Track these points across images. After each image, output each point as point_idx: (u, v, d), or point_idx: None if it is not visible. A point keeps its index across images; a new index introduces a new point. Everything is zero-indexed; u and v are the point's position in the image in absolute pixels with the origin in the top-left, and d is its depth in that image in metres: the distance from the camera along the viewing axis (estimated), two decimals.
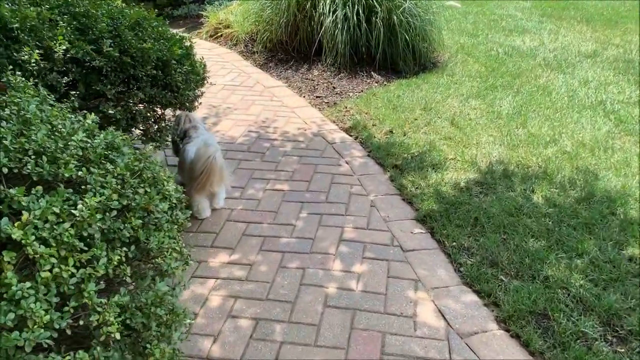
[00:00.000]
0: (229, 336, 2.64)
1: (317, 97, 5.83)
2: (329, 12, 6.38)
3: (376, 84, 6.21)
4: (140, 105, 3.16)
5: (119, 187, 1.80)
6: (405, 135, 4.74)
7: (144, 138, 3.35)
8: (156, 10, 9.17)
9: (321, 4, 6.46)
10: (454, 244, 3.29)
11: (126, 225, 1.70)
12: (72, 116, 2.06)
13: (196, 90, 3.58)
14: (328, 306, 2.84)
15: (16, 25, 2.94)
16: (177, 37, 3.77)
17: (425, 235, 3.42)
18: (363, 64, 6.60)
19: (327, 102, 5.67)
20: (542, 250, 3.17)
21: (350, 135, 4.86)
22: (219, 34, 7.97)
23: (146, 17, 3.48)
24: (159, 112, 3.39)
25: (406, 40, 6.42)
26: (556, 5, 10.19)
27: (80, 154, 1.84)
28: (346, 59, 6.44)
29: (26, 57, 2.78)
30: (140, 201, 1.81)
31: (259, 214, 3.65)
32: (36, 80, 2.84)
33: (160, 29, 3.63)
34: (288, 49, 6.92)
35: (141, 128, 3.38)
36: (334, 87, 6.08)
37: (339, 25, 6.34)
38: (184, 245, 2.05)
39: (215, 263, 3.16)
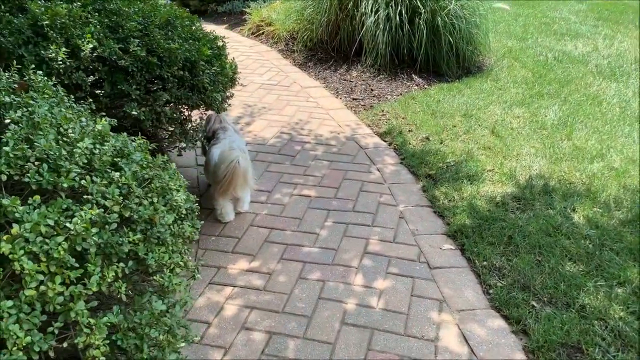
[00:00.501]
0: (240, 350, 2.55)
1: (353, 99, 5.70)
2: (371, 12, 6.23)
3: (416, 87, 6.02)
4: (166, 106, 3.11)
5: (122, 197, 1.73)
6: (442, 142, 4.55)
7: (171, 139, 3.31)
8: (202, 6, 9.23)
9: (363, 3, 6.31)
10: (485, 263, 3.11)
11: (124, 239, 1.63)
12: (84, 120, 2.01)
13: (225, 92, 3.51)
14: (346, 323, 2.72)
15: (46, 22, 2.94)
16: (210, 36, 3.72)
17: (455, 252, 3.25)
18: (404, 66, 6.42)
19: (364, 105, 5.53)
20: (580, 276, 2.96)
21: (385, 141, 4.71)
22: (261, 32, 7.94)
23: (177, 15, 3.43)
24: (186, 114, 3.34)
25: (450, 43, 6.20)
26: (614, 9, 9.70)
27: (85, 161, 1.78)
28: (386, 61, 6.27)
29: (53, 55, 2.77)
30: (143, 213, 1.74)
31: (283, 220, 3.56)
32: (62, 78, 2.83)
33: (192, 27, 3.59)
34: (328, 48, 6.80)
35: (170, 129, 3.34)
36: (371, 89, 5.93)
37: (381, 26, 6.18)
38: (191, 259, 1.97)
39: (235, 270, 3.09)
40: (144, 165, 2.00)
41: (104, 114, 2.40)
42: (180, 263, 1.83)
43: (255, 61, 6.85)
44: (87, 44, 2.88)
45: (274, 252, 3.24)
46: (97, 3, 3.37)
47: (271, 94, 5.74)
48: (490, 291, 2.93)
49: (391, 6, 6.21)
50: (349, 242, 3.34)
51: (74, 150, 1.76)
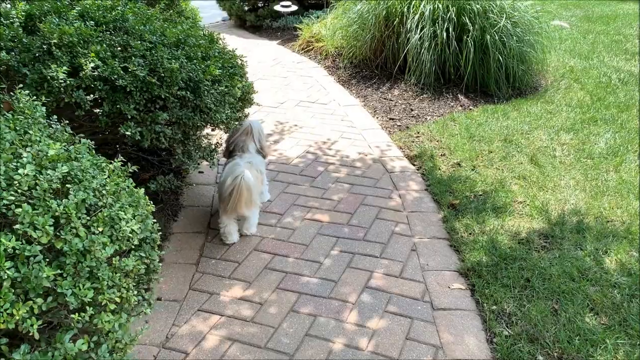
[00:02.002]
0: None
1: (390, 118, 5.49)
2: (416, 29, 6.01)
3: (460, 108, 5.73)
4: (168, 126, 3.07)
5: (56, 228, 1.67)
6: (474, 169, 4.27)
7: (174, 158, 3.27)
8: (257, 21, 9.33)
9: (409, 20, 6.11)
10: (494, 307, 2.83)
11: (42, 273, 1.55)
12: (39, 144, 1.97)
13: (235, 112, 3.43)
14: None
15: (55, 41, 2.99)
16: (228, 55, 3.67)
17: (464, 293, 2.99)
18: (450, 85, 6.15)
19: (400, 125, 5.31)
20: (600, 331, 2.62)
21: (414, 164, 4.48)
22: (311, 48, 7.90)
23: (190, 34, 3.40)
24: (191, 134, 3.28)
25: (499, 62, 5.87)
26: None
27: (26, 188, 1.73)
28: (431, 79, 6.03)
29: (54, 73, 2.80)
30: (73, 246, 1.66)
31: (288, 245, 3.42)
32: (63, 97, 2.86)
33: (208, 46, 3.55)
34: (372, 66, 6.64)
35: (177, 149, 3.29)
36: (411, 109, 5.70)
37: (426, 44, 5.95)
38: (136, 293, 1.88)
39: (227, 297, 2.98)
40: (97, 194, 1.94)
41: (82, 135, 2.38)
42: (116, 299, 1.74)
43: (300, 77, 6.80)
44: (90, 63, 2.90)
45: (271, 281, 3.11)
46: (118, 22, 3.42)
47: (307, 112, 5.65)
48: (495, 340, 2.65)
49: (438, 23, 5.97)
50: (351, 274, 3.15)
51: (14, 176, 1.72)
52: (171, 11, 4.83)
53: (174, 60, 3.05)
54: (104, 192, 1.94)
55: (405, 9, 6.20)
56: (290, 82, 6.59)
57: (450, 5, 5.98)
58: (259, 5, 9.60)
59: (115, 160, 2.42)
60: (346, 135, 5.05)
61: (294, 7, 8.97)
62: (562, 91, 6.06)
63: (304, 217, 3.73)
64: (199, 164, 3.40)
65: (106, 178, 2.14)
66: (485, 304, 2.86)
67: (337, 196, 3.98)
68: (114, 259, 1.82)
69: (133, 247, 1.94)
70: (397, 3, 6.28)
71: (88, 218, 1.83)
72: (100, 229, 1.83)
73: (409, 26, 6.10)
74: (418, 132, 5.05)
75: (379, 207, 3.83)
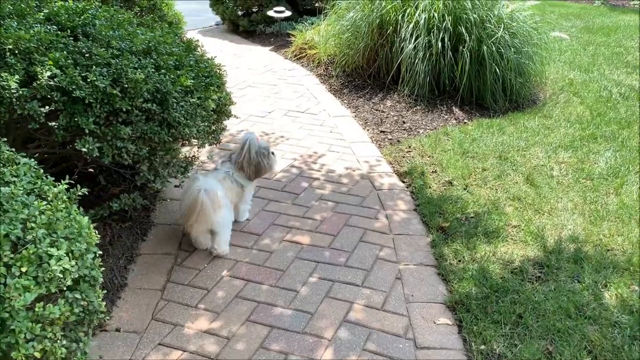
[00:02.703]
0: None
1: (381, 131, 5.25)
2: (410, 38, 5.78)
3: (454, 121, 5.50)
4: (132, 141, 2.82)
5: None
6: (466, 188, 4.02)
7: (139, 175, 3.02)
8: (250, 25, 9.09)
9: (403, 29, 5.88)
10: (483, 347, 2.58)
11: None
12: None
13: (210, 126, 3.19)
14: None
15: (10, 46, 2.74)
16: (205, 63, 3.43)
17: (450, 329, 2.74)
18: (445, 97, 5.91)
19: (391, 139, 5.07)
20: None
21: (403, 182, 4.23)
22: (303, 55, 7.66)
23: (162, 41, 3.16)
24: (158, 149, 3.02)
25: (496, 74, 5.64)
26: None
27: None
28: (425, 91, 5.80)
29: (4, 82, 2.55)
30: None
31: (264, 271, 3.17)
32: (15, 108, 2.61)
33: (182, 53, 3.31)
34: (365, 75, 6.41)
35: (142, 166, 3.03)
36: (403, 122, 5.46)
37: (420, 54, 5.72)
38: (64, 344, 1.63)
39: (192, 330, 2.73)
40: (29, 225, 1.69)
41: (24, 154, 2.14)
42: (36, 354, 1.49)
43: (290, 85, 6.56)
44: (46, 71, 2.65)
45: (241, 312, 2.85)
46: (87, 27, 3.18)
47: (295, 122, 5.40)
48: None
49: (433, 33, 5.74)
50: (329, 306, 2.90)
51: None
52: (152, 15, 4.59)
53: (139, 70, 2.80)
54: (32, 224, 1.69)
55: (400, 17, 5.97)
56: (280, 90, 6.35)
57: (446, 15, 5.75)
58: (253, 10, 9.37)
59: (62, 182, 2.17)
60: (334, 149, 4.81)
61: (288, 13, 8.75)
62: (561, 105, 5.83)
63: (282, 238, 3.48)
64: (168, 181, 3.14)
65: (45, 205, 1.89)
66: (473, 343, 2.61)
67: (320, 215, 3.73)
68: (37, 305, 1.57)
69: (65, 288, 1.69)
70: (391, 11, 6.05)
71: (12, 256, 1.59)
72: (24, 269, 1.58)
73: (403, 35, 5.87)
74: (409, 147, 4.81)
75: (364, 229, 3.58)
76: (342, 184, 4.18)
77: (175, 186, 4.08)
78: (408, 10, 5.94)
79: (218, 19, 10.21)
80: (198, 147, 3.29)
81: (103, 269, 1.99)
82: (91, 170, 3.86)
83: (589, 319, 2.71)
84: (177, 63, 3.23)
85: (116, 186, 3.78)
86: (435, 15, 5.74)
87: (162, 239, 3.47)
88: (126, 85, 2.73)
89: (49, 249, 1.65)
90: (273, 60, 7.74)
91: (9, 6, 3.22)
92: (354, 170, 4.40)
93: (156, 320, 2.80)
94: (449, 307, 2.89)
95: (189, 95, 3.06)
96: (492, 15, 5.77)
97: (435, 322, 2.78)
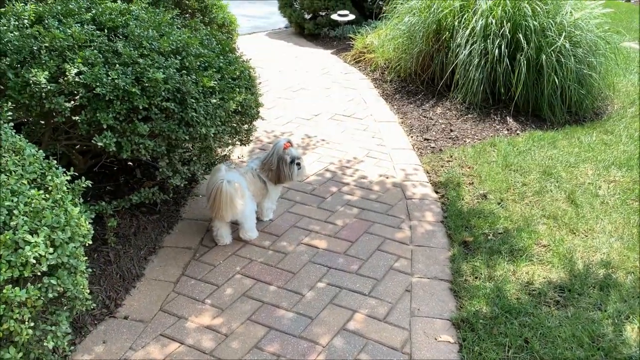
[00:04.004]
0: None
1: (425, 139, 5.14)
2: (465, 45, 5.61)
3: (506, 132, 5.28)
4: (151, 138, 2.94)
5: None
6: (500, 203, 3.85)
7: (158, 171, 3.13)
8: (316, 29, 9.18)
9: (459, 35, 5.72)
10: None
11: None
12: None
13: (231, 127, 3.26)
14: None
15: (46, 44, 2.94)
16: (233, 66, 3.51)
17: (451, 348, 2.63)
18: (500, 106, 5.69)
19: (433, 147, 4.95)
20: None
21: (437, 192, 4.12)
22: (362, 58, 7.63)
23: (189, 43, 3.26)
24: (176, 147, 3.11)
25: (555, 83, 5.36)
26: None
27: None
28: (478, 98, 5.61)
29: (35, 78, 2.74)
30: None
31: (275, 272, 3.20)
32: (44, 102, 2.79)
33: (210, 54, 3.40)
34: (418, 81, 6.29)
35: (161, 162, 3.13)
36: (450, 130, 5.31)
37: (475, 61, 5.54)
38: (32, 325, 1.73)
39: (194, 324, 2.80)
40: (15, 213, 1.81)
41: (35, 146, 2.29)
42: None
43: (343, 89, 6.57)
44: (74, 68, 2.82)
45: (245, 310, 2.89)
46: (127, 29, 3.34)
47: (339, 126, 5.40)
48: None
49: (490, 39, 5.54)
50: (331, 312, 2.88)
51: None
52: (201, 17, 4.75)
53: (161, 70, 2.91)
54: (15, 212, 1.80)
55: (457, 23, 5.81)
56: (332, 94, 6.37)
57: (505, 21, 5.53)
58: (321, 13, 9.45)
59: (66, 173, 2.31)
60: (373, 154, 4.76)
61: (352, 17, 8.74)
62: (628, 120, 5.44)
63: (300, 241, 3.50)
64: (184, 179, 3.22)
65: (41, 194, 2.02)
66: None
67: (342, 221, 3.71)
68: (6, 287, 1.67)
69: (40, 273, 1.80)
70: (448, 15, 5.90)
71: None
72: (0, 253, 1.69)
73: (458, 41, 5.71)
74: (451, 156, 4.67)
75: (383, 238, 3.52)
76: (372, 190, 4.13)
77: None
78: (466, 16, 5.77)
79: (286, 21, 10.39)
80: (227, 147, 3.36)
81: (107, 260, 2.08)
82: (130, 163, 4.06)
83: (602, 350, 2.51)
84: (206, 64, 3.33)
85: (151, 179, 3.94)
86: (493, 21, 5.53)
87: (187, 233, 3.58)
88: (146, 84, 2.85)
89: (26, 235, 1.75)
90: (332, 63, 7.77)
91: (57, 6, 3.46)
92: (387, 178, 4.33)
93: (163, 311, 2.90)
94: (454, 324, 2.78)
95: (212, 96, 3.15)
96: (553, 23, 5.48)
97: (436, 339, 2.68)
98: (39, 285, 1.79)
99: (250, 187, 3.39)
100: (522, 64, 5.35)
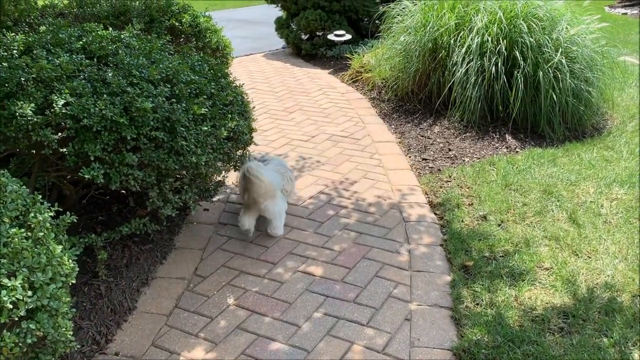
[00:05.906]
0: None
1: (423, 159, 5.08)
2: (462, 63, 5.58)
3: (505, 150, 5.22)
4: (140, 168, 2.88)
5: None
6: (500, 224, 3.77)
7: (151, 203, 3.07)
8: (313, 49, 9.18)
9: (455, 53, 5.69)
10: None
11: None
12: None
13: (222, 155, 3.20)
14: None
15: (33, 75, 2.90)
16: (225, 92, 3.46)
17: None
18: (498, 123, 5.64)
19: (432, 167, 4.88)
20: None
21: (436, 214, 4.04)
22: (359, 78, 7.61)
23: (179, 70, 3.22)
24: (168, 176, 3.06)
25: (552, 100, 5.31)
26: None
27: None
28: (476, 116, 5.56)
29: (21, 110, 2.69)
30: None
31: (270, 302, 3.11)
32: (31, 135, 2.74)
33: (201, 81, 3.36)
34: (416, 100, 6.25)
35: (151, 193, 3.08)
36: (449, 149, 5.24)
37: (472, 79, 5.50)
38: None
39: (186, 359, 2.72)
40: None
41: (18, 180, 2.22)
42: None
43: (340, 109, 6.53)
44: (61, 99, 2.78)
45: (239, 344, 2.81)
46: (117, 57, 3.30)
47: (336, 147, 5.34)
48: None
49: (486, 57, 5.51)
50: (328, 345, 2.79)
51: None
52: (194, 43, 4.73)
53: (150, 99, 2.87)
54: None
55: (452, 41, 5.78)
56: (330, 114, 6.33)
57: (501, 38, 5.50)
58: (317, 34, 9.46)
59: (50, 209, 2.24)
60: (370, 176, 4.69)
61: (348, 37, 8.74)
62: (629, 135, 5.38)
63: (296, 268, 3.42)
64: (176, 210, 3.16)
65: (22, 232, 1.95)
66: None
67: (340, 246, 3.63)
68: None
69: (17, 318, 1.72)
70: (444, 34, 5.88)
71: None
72: None
73: (455, 59, 5.67)
74: (449, 176, 4.60)
75: (382, 263, 3.44)
76: (369, 213, 4.06)
77: (205, 210, 4.15)
78: (461, 34, 5.74)
79: (284, 42, 10.40)
80: (221, 173, 3.32)
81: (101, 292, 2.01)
82: (123, 191, 4.00)
83: None
84: (197, 90, 3.29)
85: (144, 208, 3.88)
86: (489, 38, 5.50)
87: (180, 262, 3.50)
88: (135, 114, 2.80)
89: (2, 279, 1.68)
90: (329, 83, 7.75)
91: (47, 36, 3.43)
92: (384, 200, 4.26)
93: (155, 346, 2.81)
94: (455, 354, 2.69)
95: (203, 123, 3.10)
96: (549, 39, 5.44)
97: None
98: (17, 330, 1.71)
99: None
100: (520, 80, 5.31)
